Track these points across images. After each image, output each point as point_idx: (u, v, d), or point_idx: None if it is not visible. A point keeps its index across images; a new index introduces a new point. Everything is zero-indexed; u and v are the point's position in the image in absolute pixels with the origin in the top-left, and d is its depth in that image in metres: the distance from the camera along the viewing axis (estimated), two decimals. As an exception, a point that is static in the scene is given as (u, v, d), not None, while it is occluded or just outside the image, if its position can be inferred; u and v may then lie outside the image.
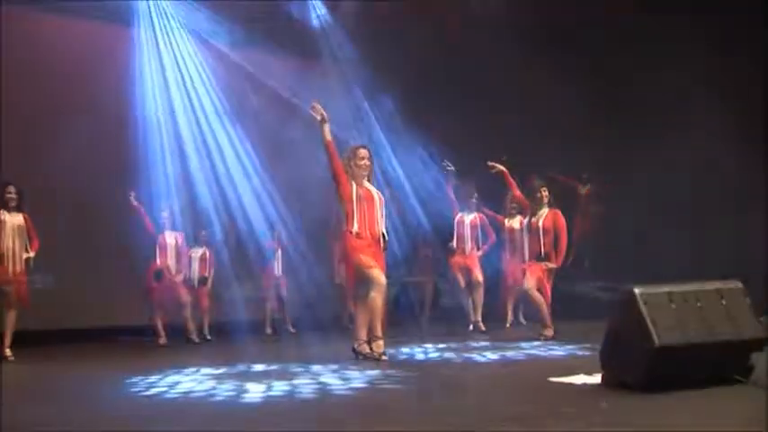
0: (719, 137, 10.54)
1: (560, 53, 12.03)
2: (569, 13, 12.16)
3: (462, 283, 10.75)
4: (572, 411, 4.22)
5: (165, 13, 12.43)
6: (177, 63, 12.52)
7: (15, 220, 8.76)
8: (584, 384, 5.08)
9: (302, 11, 13.31)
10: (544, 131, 12.83)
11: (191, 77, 12.56)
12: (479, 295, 10.56)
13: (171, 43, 12.49)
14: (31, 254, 8.84)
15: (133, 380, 6.21)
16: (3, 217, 8.69)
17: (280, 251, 11.83)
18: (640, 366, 4.54)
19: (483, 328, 10.34)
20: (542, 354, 7.43)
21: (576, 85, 11.84)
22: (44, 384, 6.76)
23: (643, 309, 4.53)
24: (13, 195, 8.78)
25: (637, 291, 4.61)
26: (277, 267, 11.78)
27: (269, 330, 11.49)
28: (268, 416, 4.59)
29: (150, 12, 12.31)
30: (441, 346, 8.39)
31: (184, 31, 12.57)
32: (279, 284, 11.73)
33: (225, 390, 5.49)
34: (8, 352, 8.64)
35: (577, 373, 5.39)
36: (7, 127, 10.20)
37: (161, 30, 12.40)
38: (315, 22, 13.49)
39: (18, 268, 8.73)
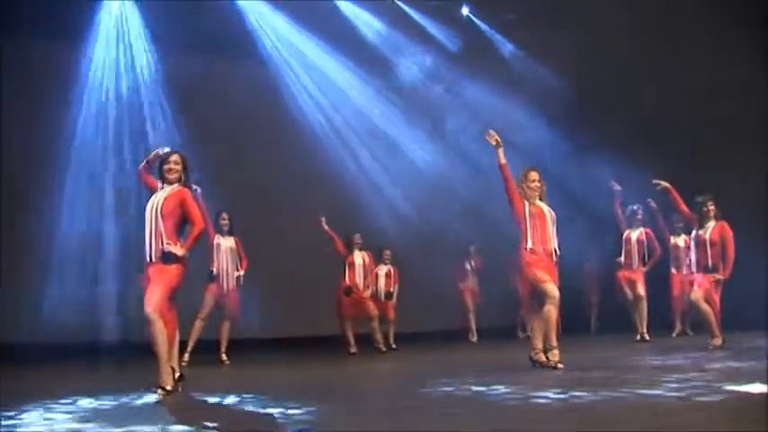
0: None
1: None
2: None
3: (630, 296, 10.32)
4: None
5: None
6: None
7: (228, 243, 8.99)
8: (762, 393, 4.67)
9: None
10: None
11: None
12: (642, 308, 10.18)
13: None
14: (241, 272, 9.05)
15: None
16: (218, 241, 8.92)
17: (476, 267, 12.10)
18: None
19: (648, 338, 9.94)
20: (714, 362, 6.89)
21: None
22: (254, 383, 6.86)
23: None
24: (227, 221, 9.06)
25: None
26: (473, 281, 12.04)
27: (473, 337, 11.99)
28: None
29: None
30: (609, 354, 8.08)
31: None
32: (475, 297, 12.05)
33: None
34: (224, 357, 8.98)
35: (753, 382, 5.00)
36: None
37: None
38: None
39: (231, 285, 8.95)
